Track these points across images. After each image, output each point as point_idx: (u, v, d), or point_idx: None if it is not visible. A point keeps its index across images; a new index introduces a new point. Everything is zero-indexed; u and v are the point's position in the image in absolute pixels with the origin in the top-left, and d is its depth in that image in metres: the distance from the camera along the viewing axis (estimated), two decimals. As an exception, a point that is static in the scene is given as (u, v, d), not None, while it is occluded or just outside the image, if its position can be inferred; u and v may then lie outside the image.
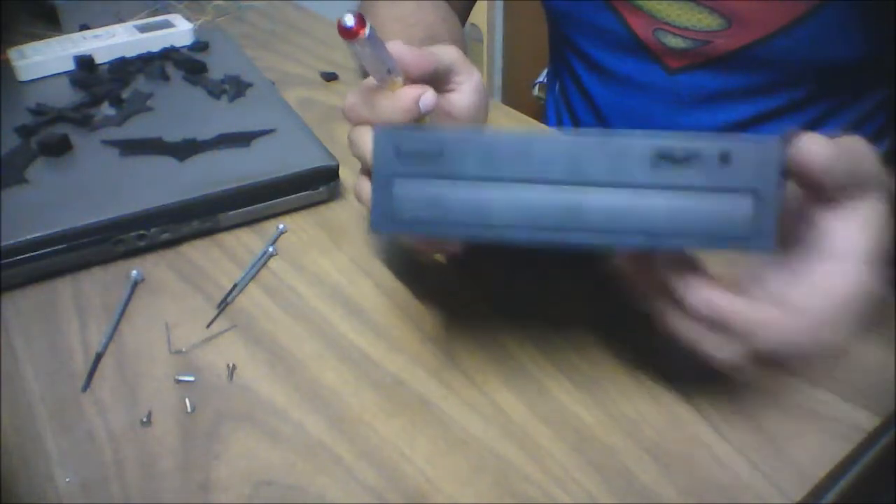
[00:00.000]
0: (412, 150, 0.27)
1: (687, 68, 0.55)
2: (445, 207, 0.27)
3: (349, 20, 0.27)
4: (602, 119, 0.64)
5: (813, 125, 0.55)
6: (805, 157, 0.27)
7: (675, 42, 0.53)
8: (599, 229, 0.26)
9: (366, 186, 0.33)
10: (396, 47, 0.32)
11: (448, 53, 0.35)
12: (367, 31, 0.27)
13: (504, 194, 0.27)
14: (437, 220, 0.27)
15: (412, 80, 0.33)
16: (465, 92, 0.37)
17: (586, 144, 0.26)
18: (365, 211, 0.47)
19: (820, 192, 0.28)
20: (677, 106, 0.57)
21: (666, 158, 0.26)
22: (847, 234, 0.28)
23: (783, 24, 0.49)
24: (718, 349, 0.29)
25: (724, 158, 0.26)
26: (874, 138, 0.57)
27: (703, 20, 0.51)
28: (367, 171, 0.33)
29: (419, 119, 0.32)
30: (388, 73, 0.32)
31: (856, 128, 0.56)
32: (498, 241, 0.27)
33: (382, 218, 0.27)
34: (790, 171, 0.27)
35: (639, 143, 0.26)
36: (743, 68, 0.53)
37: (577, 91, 0.67)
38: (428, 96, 0.32)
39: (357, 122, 0.34)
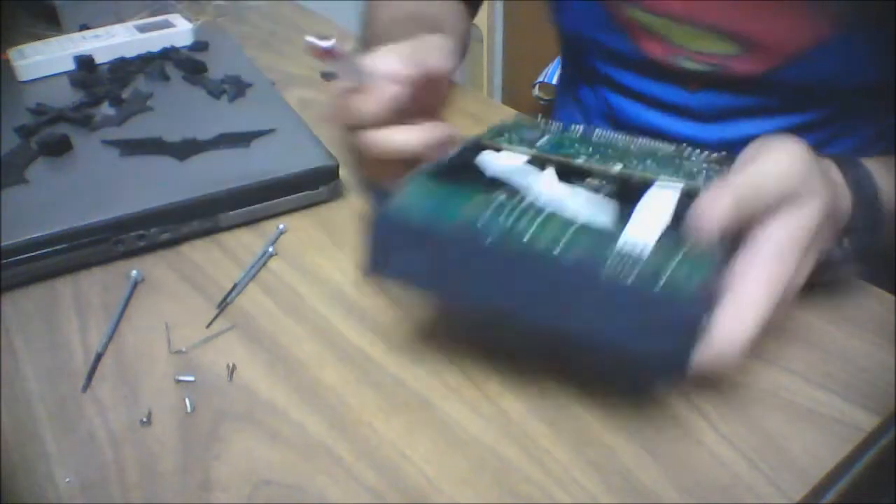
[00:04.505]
0: (402, 242, 0.31)
1: (704, 88, 0.54)
2: (427, 281, 0.31)
3: (325, 42, 0.30)
4: (620, 127, 0.62)
5: (836, 139, 0.54)
6: (700, 223, 0.28)
7: (691, 65, 0.53)
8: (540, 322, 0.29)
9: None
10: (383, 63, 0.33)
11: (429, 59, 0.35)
12: (337, 46, 0.31)
13: (470, 284, 0.30)
14: (420, 285, 0.32)
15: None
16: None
17: (547, 273, 0.28)
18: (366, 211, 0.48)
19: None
20: (696, 122, 0.56)
21: (618, 274, 0.27)
22: (783, 233, 0.29)
23: (800, 49, 0.48)
24: None
25: (658, 298, 0.26)
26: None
27: (715, 45, 0.50)
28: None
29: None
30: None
31: (871, 146, 0.55)
32: (465, 308, 0.35)
33: (374, 268, 0.31)
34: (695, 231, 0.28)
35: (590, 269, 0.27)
36: (760, 91, 0.52)
37: (595, 102, 0.65)
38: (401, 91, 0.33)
39: (345, 122, 0.35)
